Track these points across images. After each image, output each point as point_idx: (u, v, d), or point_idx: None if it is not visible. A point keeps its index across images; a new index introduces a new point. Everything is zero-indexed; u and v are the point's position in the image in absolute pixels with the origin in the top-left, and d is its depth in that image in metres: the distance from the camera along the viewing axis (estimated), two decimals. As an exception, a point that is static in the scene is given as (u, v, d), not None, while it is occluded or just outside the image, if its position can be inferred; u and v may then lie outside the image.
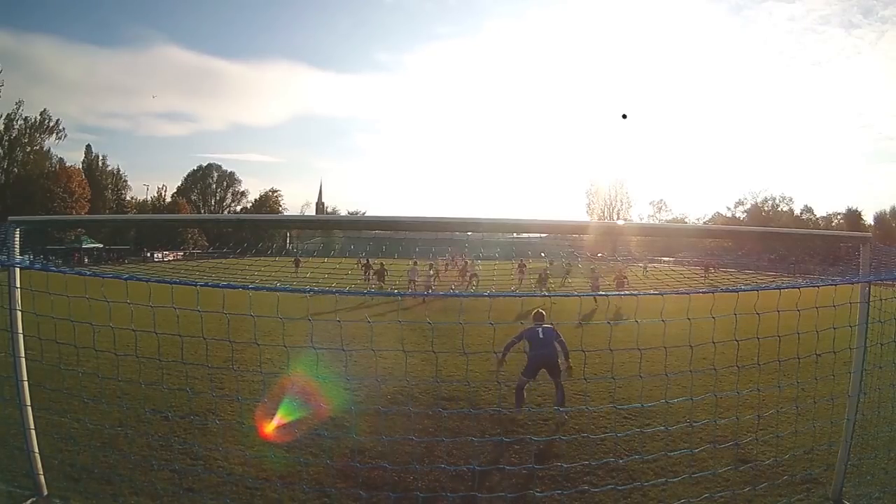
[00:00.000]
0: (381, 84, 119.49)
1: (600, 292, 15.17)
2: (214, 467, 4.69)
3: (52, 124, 58.15)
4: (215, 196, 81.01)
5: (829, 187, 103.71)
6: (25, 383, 4.02)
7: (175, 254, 55.46)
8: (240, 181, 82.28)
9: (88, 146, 66.60)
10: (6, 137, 55.19)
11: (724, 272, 34.51)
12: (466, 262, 23.00)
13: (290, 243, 67.29)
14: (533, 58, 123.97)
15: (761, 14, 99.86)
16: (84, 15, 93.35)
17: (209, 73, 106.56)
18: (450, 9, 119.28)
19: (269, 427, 5.51)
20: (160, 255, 52.36)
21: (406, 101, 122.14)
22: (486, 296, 5.08)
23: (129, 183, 69.80)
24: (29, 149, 56.69)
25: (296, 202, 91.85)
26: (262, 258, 34.21)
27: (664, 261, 49.98)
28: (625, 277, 17.92)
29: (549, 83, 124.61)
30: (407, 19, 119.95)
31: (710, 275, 27.55)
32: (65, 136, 59.76)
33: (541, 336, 6.17)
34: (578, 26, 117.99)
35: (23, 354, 4.01)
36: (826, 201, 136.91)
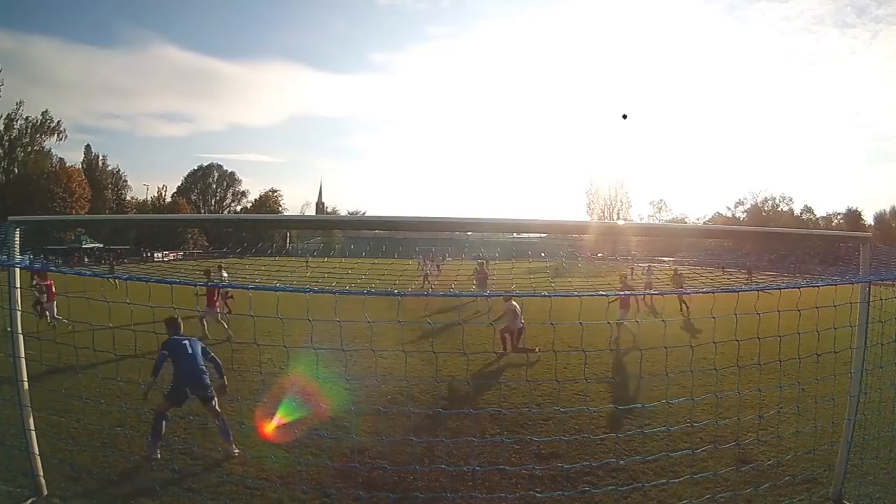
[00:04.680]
0: (377, 84, 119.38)
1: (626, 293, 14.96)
2: (214, 467, 4.69)
3: (52, 125, 58.25)
4: (215, 196, 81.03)
5: (828, 187, 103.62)
6: (25, 383, 4.02)
7: (175, 254, 55.46)
8: (240, 181, 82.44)
9: (88, 146, 66.82)
10: (6, 137, 55.25)
11: (764, 274, 33.86)
12: (427, 262, 22.60)
13: (290, 243, 67.28)
14: (531, 58, 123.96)
15: (755, 14, 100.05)
16: (83, 16, 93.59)
17: (206, 73, 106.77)
18: (443, 10, 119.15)
19: (269, 427, 5.51)
20: (160, 255, 52.35)
21: (405, 102, 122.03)
22: (486, 296, 5.08)
23: (129, 183, 70.00)
24: (29, 149, 56.70)
25: (296, 202, 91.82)
26: (262, 258, 34.21)
27: (664, 261, 49.93)
28: (680, 276, 17.47)
29: (549, 83, 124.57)
30: (401, 20, 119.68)
31: (754, 277, 26.89)
32: (65, 137, 59.86)
33: (189, 350, 5.10)
34: (576, 26, 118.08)
35: (23, 354, 4.01)
36: (826, 201, 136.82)
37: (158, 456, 4.76)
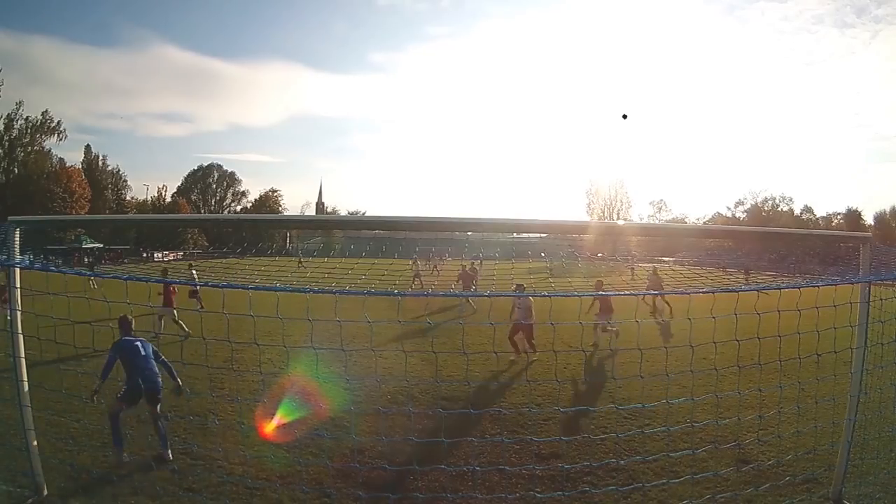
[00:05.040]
0: (377, 84, 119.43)
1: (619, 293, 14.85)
2: (214, 467, 4.68)
3: (52, 125, 58.22)
4: (215, 196, 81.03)
5: (828, 187, 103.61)
6: (25, 383, 4.02)
7: (175, 253, 55.46)
8: (240, 181, 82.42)
9: (88, 146, 66.68)
10: (6, 137, 55.21)
11: (764, 274, 33.75)
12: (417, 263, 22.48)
13: (290, 243, 67.29)
14: (531, 58, 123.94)
15: (754, 14, 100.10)
16: (83, 16, 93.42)
17: (206, 73, 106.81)
18: (443, 10, 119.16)
19: (269, 427, 5.51)
20: (160, 255, 52.35)
21: (405, 102, 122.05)
22: (486, 296, 5.07)
23: (129, 183, 69.95)
24: (29, 149, 56.69)
25: (296, 202, 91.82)
26: (262, 258, 34.22)
27: (665, 261, 49.90)
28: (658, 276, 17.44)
29: (549, 83, 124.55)
30: (401, 20, 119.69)
31: (751, 277, 26.82)
32: (65, 137, 59.84)
33: (141, 352, 4.99)
34: (576, 26, 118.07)
35: (23, 354, 4.01)
36: (826, 201, 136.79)
37: (126, 459, 4.63)
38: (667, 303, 14.88)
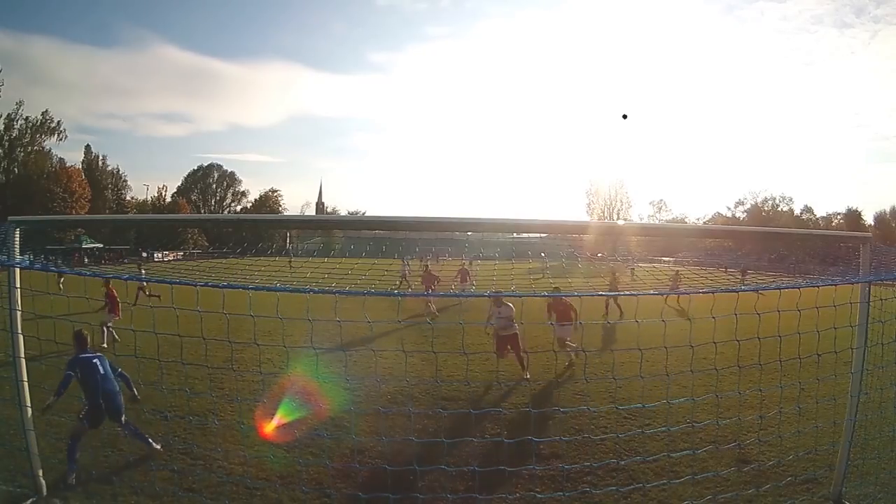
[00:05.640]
0: (377, 84, 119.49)
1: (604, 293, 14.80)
2: (214, 467, 4.68)
3: (53, 125, 58.22)
4: (215, 196, 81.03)
5: (828, 187, 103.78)
6: (25, 383, 4.02)
7: (175, 253, 55.46)
8: (240, 181, 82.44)
9: (88, 146, 66.67)
10: (6, 137, 55.22)
11: (764, 274, 33.71)
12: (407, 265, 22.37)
13: (290, 243, 67.27)
14: (531, 58, 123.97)
15: (754, 14, 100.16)
16: (82, 16, 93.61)
17: (206, 73, 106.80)
18: (442, 10, 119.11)
19: (269, 427, 5.51)
20: (160, 255, 52.36)
21: (405, 102, 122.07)
22: (486, 296, 5.06)
23: (129, 183, 69.94)
24: (29, 149, 56.69)
25: (296, 202, 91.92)
26: (262, 258, 34.22)
27: (664, 261, 49.92)
28: (617, 277, 17.20)
29: (548, 83, 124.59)
30: (400, 20, 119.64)
31: (747, 277, 26.72)
32: (65, 137, 59.83)
33: (100, 370, 4.81)
34: (576, 26, 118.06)
35: (23, 354, 4.01)
36: (826, 201, 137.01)
37: (74, 482, 4.37)
38: (618, 305, 14.51)
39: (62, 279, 12.61)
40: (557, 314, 8.63)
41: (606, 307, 15.04)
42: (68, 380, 4.62)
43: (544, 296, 8.88)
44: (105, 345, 9.45)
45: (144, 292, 13.96)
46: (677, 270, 21.18)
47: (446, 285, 17.18)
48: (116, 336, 10.08)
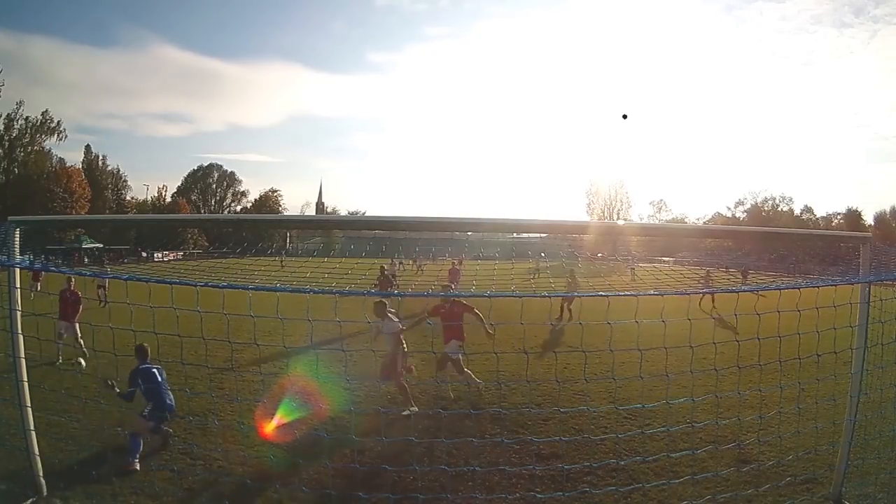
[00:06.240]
0: (376, 84, 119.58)
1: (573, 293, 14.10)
2: (214, 467, 4.68)
3: (52, 125, 58.21)
4: (215, 196, 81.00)
5: (828, 187, 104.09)
6: (25, 383, 4.02)
7: (175, 253, 55.47)
8: (240, 181, 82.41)
9: (88, 146, 66.67)
10: (6, 137, 55.20)
11: (764, 274, 33.61)
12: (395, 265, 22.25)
13: (290, 243, 67.26)
14: (530, 58, 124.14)
15: (753, 14, 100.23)
16: (82, 16, 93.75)
17: (205, 73, 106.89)
18: (441, 10, 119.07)
19: (269, 427, 5.50)
20: (160, 255, 52.35)
21: (404, 102, 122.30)
22: (486, 296, 5.05)
23: (129, 183, 69.97)
24: (29, 149, 56.68)
25: (296, 202, 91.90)
26: (262, 258, 34.21)
27: (664, 261, 49.91)
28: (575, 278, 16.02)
29: (548, 83, 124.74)
30: (399, 20, 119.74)
31: (749, 278, 26.48)
32: (65, 137, 59.83)
33: (159, 378, 5.11)
34: (576, 26, 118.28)
35: (23, 354, 4.01)
36: (826, 201, 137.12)
37: (138, 468, 4.63)
38: (569, 310, 13.87)
39: (32, 292, 12.05)
40: (444, 320, 6.87)
41: (561, 310, 14.17)
42: (133, 393, 4.92)
43: (544, 296, 8.79)
44: (60, 360, 7.84)
45: (104, 290, 14.00)
46: (707, 270, 20.50)
47: (404, 287, 17.26)
48: (83, 348, 8.15)
